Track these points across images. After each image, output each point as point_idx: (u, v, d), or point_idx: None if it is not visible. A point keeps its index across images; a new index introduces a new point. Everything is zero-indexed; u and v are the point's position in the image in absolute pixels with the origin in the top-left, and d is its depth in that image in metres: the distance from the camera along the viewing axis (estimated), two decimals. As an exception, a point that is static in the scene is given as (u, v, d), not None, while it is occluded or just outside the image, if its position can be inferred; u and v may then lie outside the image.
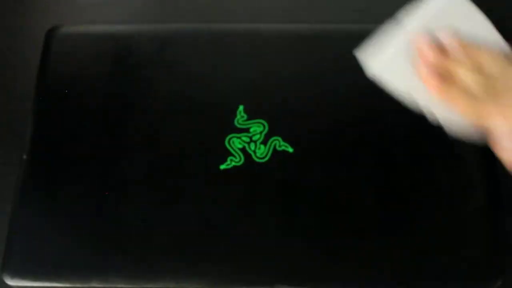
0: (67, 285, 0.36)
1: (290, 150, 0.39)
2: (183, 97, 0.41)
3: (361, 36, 0.43)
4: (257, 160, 0.38)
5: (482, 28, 0.36)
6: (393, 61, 0.35)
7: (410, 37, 0.35)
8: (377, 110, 0.39)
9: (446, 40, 0.35)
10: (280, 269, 0.36)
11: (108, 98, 0.41)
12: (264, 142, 0.39)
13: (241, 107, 0.40)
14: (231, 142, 0.39)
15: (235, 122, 0.40)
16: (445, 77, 0.34)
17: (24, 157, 0.39)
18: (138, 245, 0.36)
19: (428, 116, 0.35)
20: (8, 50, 0.46)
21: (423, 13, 0.36)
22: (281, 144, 0.39)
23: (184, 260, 0.36)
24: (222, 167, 0.38)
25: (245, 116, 0.40)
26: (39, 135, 0.40)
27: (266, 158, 0.38)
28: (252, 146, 0.39)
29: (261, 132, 0.39)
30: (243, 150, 0.39)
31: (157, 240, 0.37)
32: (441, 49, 0.35)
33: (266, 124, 0.39)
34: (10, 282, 0.36)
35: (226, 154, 0.38)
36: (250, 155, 0.38)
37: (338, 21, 0.46)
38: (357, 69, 0.42)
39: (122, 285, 0.36)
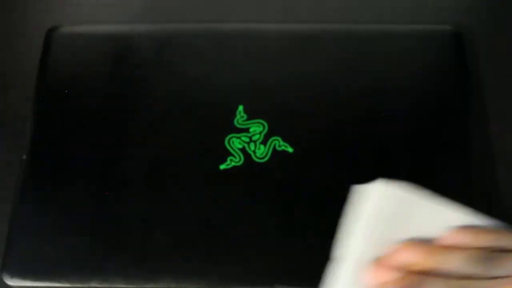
0: (67, 285, 0.36)
1: (290, 150, 0.39)
2: (183, 97, 0.41)
3: (361, 36, 0.44)
4: (257, 160, 0.38)
5: (443, 215, 0.30)
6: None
7: (358, 267, 0.30)
8: (377, 110, 0.39)
9: (403, 253, 0.29)
10: (280, 269, 0.36)
11: (108, 98, 0.41)
12: (264, 142, 0.39)
13: (240, 107, 0.40)
14: (230, 142, 0.39)
15: (235, 122, 0.40)
16: None
17: (24, 157, 0.39)
18: (138, 245, 0.36)
19: None
20: (8, 50, 0.46)
21: (363, 232, 0.30)
22: (281, 144, 0.39)
23: (184, 260, 0.36)
24: (222, 167, 0.38)
25: (245, 116, 0.40)
26: (39, 135, 0.40)
27: (266, 158, 0.38)
28: (252, 146, 0.39)
29: (260, 132, 0.39)
30: (243, 150, 0.39)
31: (157, 240, 0.37)
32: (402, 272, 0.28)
33: (265, 124, 0.39)
34: (10, 282, 0.36)
35: (225, 154, 0.39)
36: (250, 155, 0.39)
37: (338, 21, 0.46)
38: (358, 69, 0.42)
39: (122, 285, 0.36)
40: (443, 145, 0.38)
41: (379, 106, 0.40)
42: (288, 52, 0.42)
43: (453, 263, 0.28)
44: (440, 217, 0.30)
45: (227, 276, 0.36)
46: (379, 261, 0.29)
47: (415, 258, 0.28)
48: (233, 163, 0.38)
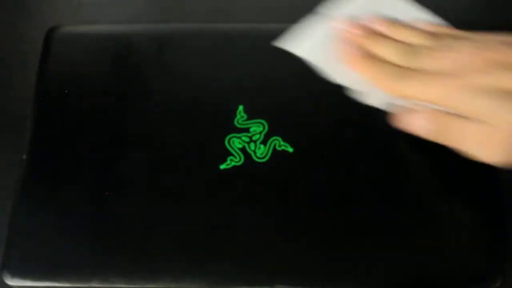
0: (67, 285, 0.36)
1: (290, 150, 0.39)
2: (183, 97, 0.41)
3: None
4: (257, 160, 0.38)
5: (411, 13, 0.37)
6: (316, 46, 0.38)
7: (333, 23, 0.38)
8: (378, 110, 0.39)
9: (368, 21, 0.37)
10: (280, 269, 0.36)
11: (108, 98, 0.41)
12: (264, 142, 0.39)
13: (241, 107, 0.40)
14: (231, 142, 0.39)
15: (235, 122, 0.40)
16: (368, 56, 0.35)
17: (24, 157, 0.39)
18: (138, 245, 0.36)
19: (357, 96, 0.37)
20: (8, 50, 0.46)
21: (345, 5, 0.38)
22: (281, 144, 0.39)
23: (184, 260, 0.36)
24: (222, 167, 0.38)
25: (245, 116, 0.40)
26: (39, 135, 0.40)
27: (266, 158, 0.38)
28: (252, 146, 0.39)
29: (261, 132, 0.39)
30: (243, 150, 0.39)
31: (157, 240, 0.37)
32: (364, 31, 0.36)
33: (266, 124, 0.39)
34: (10, 282, 0.36)
35: (226, 154, 0.39)
36: (250, 155, 0.39)
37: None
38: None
39: (122, 285, 0.36)
40: (444, 145, 0.38)
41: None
42: (288, 52, 0.42)
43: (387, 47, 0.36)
44: (405, 13, 0.38)
45: (227, 276, 0.36)
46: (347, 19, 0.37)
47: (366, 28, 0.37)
48: (233, 163, 0.38)
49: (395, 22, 0.37)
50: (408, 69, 0.34)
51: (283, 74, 0.41)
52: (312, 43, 0.38)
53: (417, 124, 0.35)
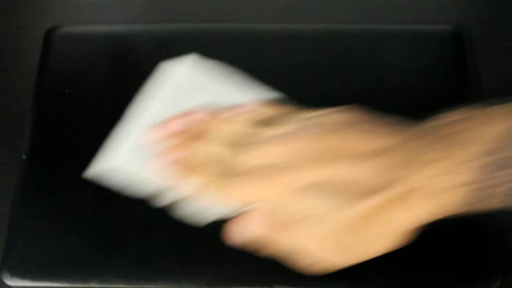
0: (67, 285, 0.36)
1: (290, 150, 0.38)
2: (183, 97, 0.41)
3: (362, 36, 0.44)
4: (257, 160, 0.38)
5: (224, 94, 0.35)
6: (129, 161, 0.34)
7: (141, 132, 0.35)
8: (377, 110, 0.39)
9: (176, 124, 0.34)
10: (280, 269, 0.36)
11: (108, 98, 0.41)
12: (264, 142, 0.39)
13: (241, 107, 0.40)
14: (231, 142, 0.39)
15: (235, 122, 0.39)
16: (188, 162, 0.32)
17: (24, 157, 0.39)
18: (138, 245, 0.36)
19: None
20: (8, 50, 0.46)
21: (151, 105, 0.35)
22: (281, 144, 0.39)
23: (184, 260, 0.36)
24: (222, 167, 0.38)
25: (245, 116, 0.40)
26: (39, 135, 0.40)
27: (266, 158, 0.38)
28: (252, 146, 0.39)
29: (261, 132, 0.39)
30: (243, 150, 0.39)
31: (157, 240, 0.36)
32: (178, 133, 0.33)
33: (266, 124, 0.39)
34: (9, 282, 0.36)
35: (226, 154, 0.38)
36: (250, 155, 0.38)
37: (339, 21, 0.46)
38: (358, 70, 0.42)
39: (122, 285, 0.36)
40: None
41: (379, 106, 0.39)
42: (289, 52, 0.42)
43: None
44: (227, 95, 0.35)
45: (227, 276, 0.36)
46: (160, 124, 0.34)
47: (183, 127, 0.34)
48: (233, 163, 0.38)
49: (213, 114, 0.34)
50: (234, 166, 0.31)
51: (283, 74, 0.41)
52: (127, 152, 0.35)
53: (253, 225, 0.31)
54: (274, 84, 0.40)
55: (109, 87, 0.41)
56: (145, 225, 0.37)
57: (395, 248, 0.30)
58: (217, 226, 0.35)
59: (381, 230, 0.29)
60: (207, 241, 0.36)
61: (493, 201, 0.26)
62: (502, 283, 0.35)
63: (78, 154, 0.39)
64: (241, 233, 0.32)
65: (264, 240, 0.31)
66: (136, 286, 0.36)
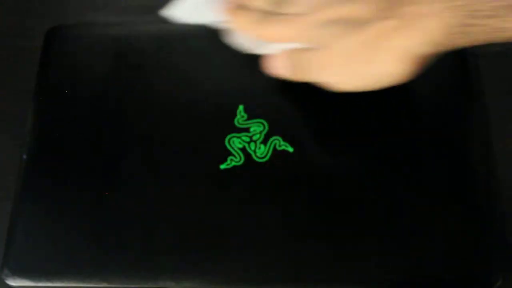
0: (67, 285, 0.36)
1: (290, 149, 0.39)
2: (183, 96, 0.41)
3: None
4: (257, 160, 0.38)
5: None
6: (195, 5, 0.40)
7: None
8: (378, 110, 0.39)
9: None
10: (280, 269, 0.36)
11: (108, 98, 0.41)
12: (264, 142, 0.39)
13: (241, 107, 0.40)
14: (231, 141, 0.39)
15: (235, 122, 0.40)
16: (239, 5, 0.38)
17: (24, 157, 0.39)
18: (139, 244, 0.36)
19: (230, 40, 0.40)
20: (8, 50, 0.46)
21: None
22: (281, 144, 0.39)
23: (184, 260, 0.36)
24: (222, 167, 0.38)
25: (245, 116, 0.40)
26: (39, 135, 0.40)
27: (266, 158, 0.38)
28: (252, 145, 0.39)
29: (261, 132, 0.39)
30: (243, 150, 0.39)
31: (157, 239, 0.37)
32: None
33: (266, 124, 0.39)
34: (10, 282, 0.36)
35: (226, 154, 0.39)
36: (250, 155, 0.39)
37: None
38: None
39: (122, 285, 0.36)
40: (444, 146, 0.38)
41: (380, 106, 0.40)
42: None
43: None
44: None
45: (227, 276, 0.36)
46: None
47: None
48: (233, 163, 0.38)
49: None
50: (272, 14, 0.37)
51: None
52: (191, 4, 0.40)
53: (278, 65, 0.38)
54: (274, 83, 0.41)
55: (109, 87, 0.41)
56: (145, 224, 0.37)
57: (401, 78, 0.34)
58: (217, 218, 0.35)
59: (383, 56, 0.33)
60: (207, 240, 0.36)
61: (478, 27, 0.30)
62: (502, 283, 0.35)
63: (78, 154, 0.39)
64: (271, 68, 0.39)
65: (289, 75, 0.38)
66: (136, 286, 0.36)
